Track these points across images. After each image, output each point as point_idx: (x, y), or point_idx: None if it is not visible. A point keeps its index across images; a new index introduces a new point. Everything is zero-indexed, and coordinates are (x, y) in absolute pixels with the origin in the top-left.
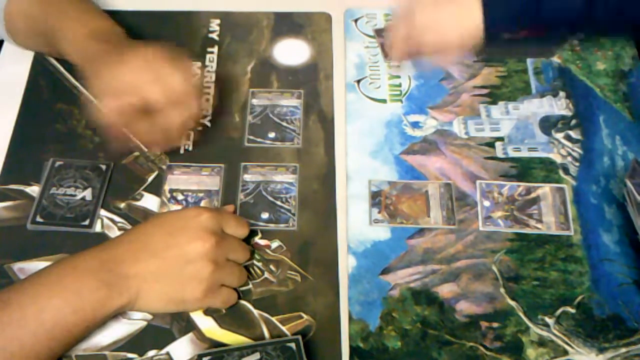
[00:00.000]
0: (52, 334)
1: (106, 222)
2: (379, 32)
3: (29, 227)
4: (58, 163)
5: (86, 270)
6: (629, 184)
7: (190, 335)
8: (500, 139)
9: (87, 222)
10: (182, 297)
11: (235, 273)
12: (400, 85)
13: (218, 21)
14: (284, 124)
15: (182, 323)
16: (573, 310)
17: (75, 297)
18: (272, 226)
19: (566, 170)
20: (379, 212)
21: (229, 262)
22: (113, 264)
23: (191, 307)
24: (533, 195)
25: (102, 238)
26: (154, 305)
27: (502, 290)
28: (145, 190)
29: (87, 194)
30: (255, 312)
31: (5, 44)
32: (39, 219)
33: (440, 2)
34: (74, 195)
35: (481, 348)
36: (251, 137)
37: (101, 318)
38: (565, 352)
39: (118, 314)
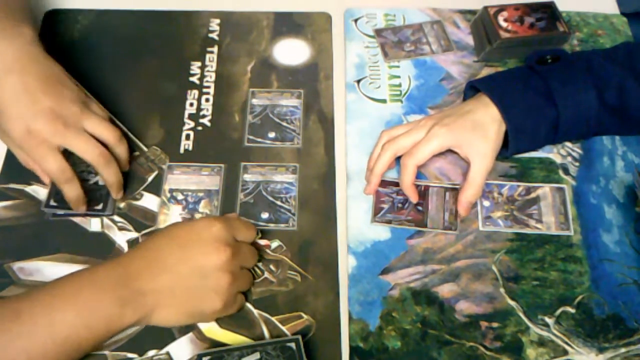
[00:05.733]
0: (62, 347)
1: (106, 222)
2: (379, 32)
3: (43, 210)
4: None
5: (102, 286)
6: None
7: (190, 335)
8: None
9: (100, 207)
10: (201, 310)
11: (247, 279)
12: (400, 85)
13: (218, 21)
14: (284, 123)
15: None
16: (573, 310)
17: (89, 313)
18: (272, 226)
19: (566, 170)
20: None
21: (242, 270)
22: (129, 279)
23: (209, 318)
24: (533, 195)
25: (102, 237)
26: (172, 319)
27: (502, 290)
28: (145, 190)
29: (100, 178)
30: (255, 312)
31: None
32: (52, 202)
33: (476, 128)
34: (87, 180)
35: (481, 348)
36: (251, 137)
37: (113, 333)
38: (565, 352)
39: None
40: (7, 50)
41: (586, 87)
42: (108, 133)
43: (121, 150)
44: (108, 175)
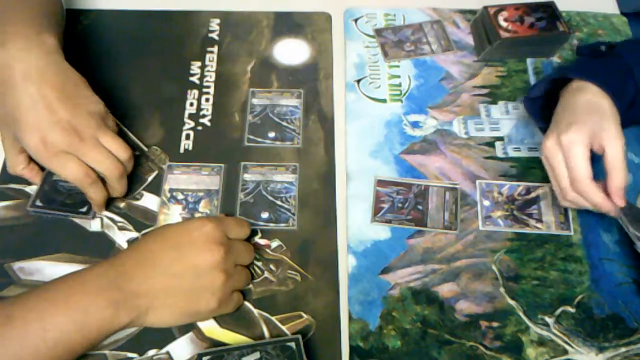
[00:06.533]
0: (54, 351)
1: (106, 222)
2: (379, 32)
3: (28, 209)
4: None
5: (94, 289)
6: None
7: (190, 334)
8: (500, 138)
9: (85, 209)
10: (197, 309)
11: (243, 276)
12: (400, 85)
13: (218, 21)
14: (284, 123)
15: None
16: (573, 310)
17: (81, 316)
18: (272, 226)
19: None
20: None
21: (237, 267)
22: (122, 281)
23: (205, 317)
24: (533, 194)
25: (102, 237)
26: (167, 319)
27: (502, 289)
28: (145, 189)
29: None
30: (255, 311)
31: None
32: (38, 202)
33: (591, 111)
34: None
35: (481, 347)
36: (251, 137)
37: (105, 336)
38: (565, 352)
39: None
40: (28, 59)
41: None
42: (121, 151)
43: (129, 166)
44: (119, 187)
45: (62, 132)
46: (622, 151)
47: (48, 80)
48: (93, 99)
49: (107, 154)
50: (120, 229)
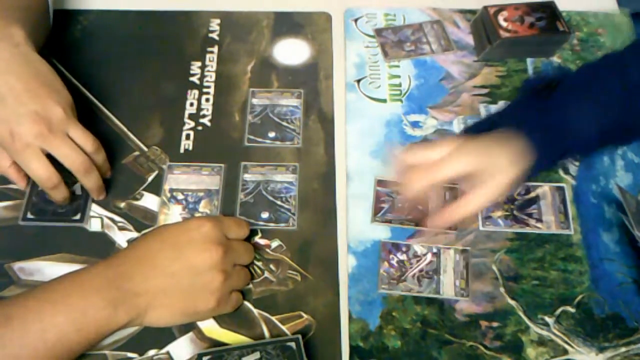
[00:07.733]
0: (52, 352)
1: (106, 222)
2: (379, 32)
3: (21, 224)
4: None
5: (92, 288)
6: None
7: (190, 334)
8: None
9: (78, 217)
10: (195, 309)
11: (242, 276)
12: (400, 85)
13: (218, 21)
14: (284, 123)
15: None
16: (573, 310)
17: (80, 316)
18: (272, 225)
19: (566, 170)
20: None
21: (236, 267)
22: (120, 280)
23: (204, 317)
24: (533, 194)
25: (101, 237)
26: (166, 319)
27: (502, 289)
28: (146, 189)
29: (77, 187)
30: (255, 311)
31: None
32: (29, 215)
33: (502, 145)
34: None
35: (481, 347)
36: (251, 137)
37: (104, 335)
38: (565, 352)
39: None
40: None
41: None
42: (88, 143)
43: (99, 158)
44: (88, 182)
45: (30, 124)
46: (485, 200)
47: (15, 72)
48: (61, 90)
49: (76, 148)
50: (121, 229)
